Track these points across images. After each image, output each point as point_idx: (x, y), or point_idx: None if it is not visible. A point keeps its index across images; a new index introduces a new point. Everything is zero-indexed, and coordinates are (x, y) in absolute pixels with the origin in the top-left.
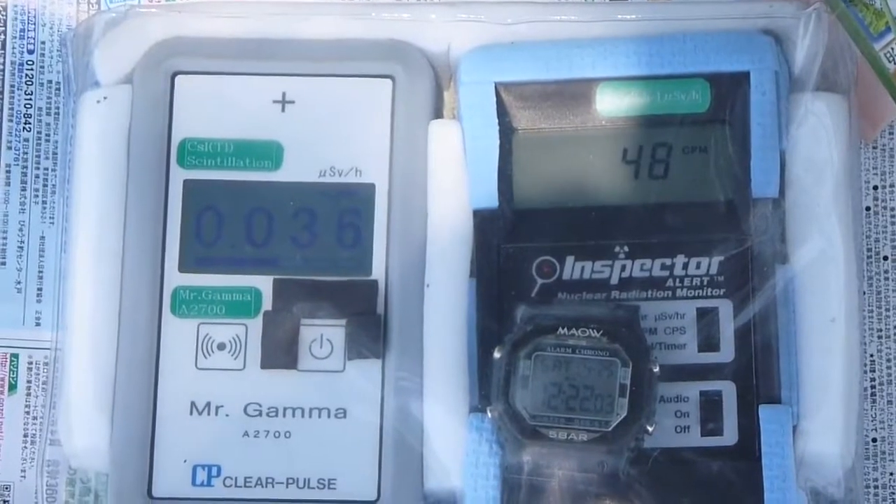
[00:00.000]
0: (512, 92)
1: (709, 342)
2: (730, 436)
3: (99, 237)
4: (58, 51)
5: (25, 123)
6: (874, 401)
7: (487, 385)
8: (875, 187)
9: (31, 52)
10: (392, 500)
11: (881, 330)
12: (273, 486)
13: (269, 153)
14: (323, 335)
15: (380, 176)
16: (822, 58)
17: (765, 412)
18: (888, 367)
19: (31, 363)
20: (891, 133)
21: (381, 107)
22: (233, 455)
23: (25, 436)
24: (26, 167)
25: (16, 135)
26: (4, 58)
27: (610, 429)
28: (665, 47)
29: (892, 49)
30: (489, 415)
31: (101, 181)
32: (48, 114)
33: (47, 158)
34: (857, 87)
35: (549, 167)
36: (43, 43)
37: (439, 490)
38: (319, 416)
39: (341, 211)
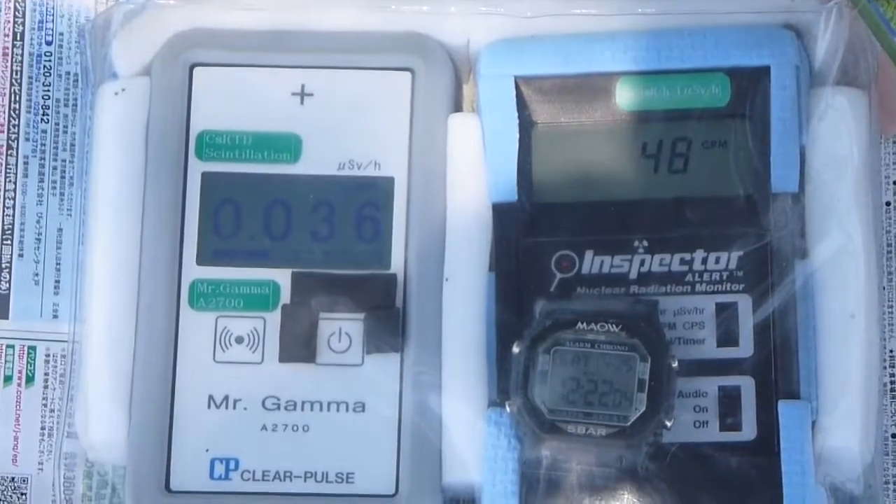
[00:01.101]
0: (532, 85)
1: (728, 337)
2: (748, 431)
3: (117, 229)
4: (76, 42)
5: (43, 115)
6: (894, 396)
7: (506, 379)
8: (895, 182)
9: (49, 43)
10: (410, 494)
11: None
12: (291, 480)
13: (287, 146)
14: (341, 329)
15: (399, 169)
16: (842, 52)
17: (784, 408)
18: None
19: (48, 356)
20: None
21: (400, 100)
22: (251, 448)
23: (43, 428)
24: (44, 158)
25: (34, 126)
26: (23, 49)
27: (628, 424)
28: (685, 41)
29: None
30: (508, 409)
31: (119, 173)
32: (66, 105)
33: (65, 150)
34: (878, 81)
35: (569, 161)
36: (61, 34)
37: (458, 484)
38: (338, 410)
39: (360, 204)
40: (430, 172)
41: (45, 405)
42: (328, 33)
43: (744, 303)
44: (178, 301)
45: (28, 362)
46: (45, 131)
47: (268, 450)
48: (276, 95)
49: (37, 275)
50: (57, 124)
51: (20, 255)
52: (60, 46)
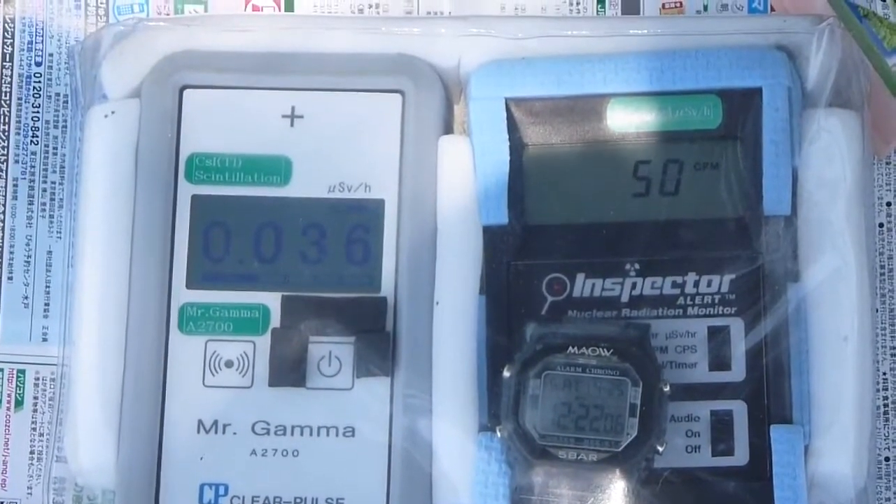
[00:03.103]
0: (522, 107)
1: (720, 361)
2: (741, 456)
3: (106, 252)
4: (66, 63)
5: (33, 136)
6: (887, 419)
7: (497, 404)
8: (888, 203)
9: (38, 64)
10: None
11: (894, 348)
12: None
13: (277, 168)
14: (331, 352)
15: (389, 191)
16: (835, 74)
17: (776, 432)
18: None
19: (37, 379)
20: None
21: (390, 122)
22: (240, 474)
23: (32, 452)
24: (33, 181)
25: (23, 148)
26: (12, 70)
27: (620, 449)
28: (677, 63)
29: None
30: (498, 434)
31: (109, 196)
32: (55, 127)
33: (54, 172)
34: (871, 103)
35: (560, 183)
36: (51, 55)
37: None
38: (328, 435)
39: (350, 227)
40: (420, 195)
41: (35, 429)
42: (318, 56)
43: (736, 326)
44: (167, 324)
45: (17, 386)
46: (34, 153)
47: (257, 475)
48: (267, 118)
49: (26, 298)
50: (46, 146)
51: (9, 278)
52: (50, 67)
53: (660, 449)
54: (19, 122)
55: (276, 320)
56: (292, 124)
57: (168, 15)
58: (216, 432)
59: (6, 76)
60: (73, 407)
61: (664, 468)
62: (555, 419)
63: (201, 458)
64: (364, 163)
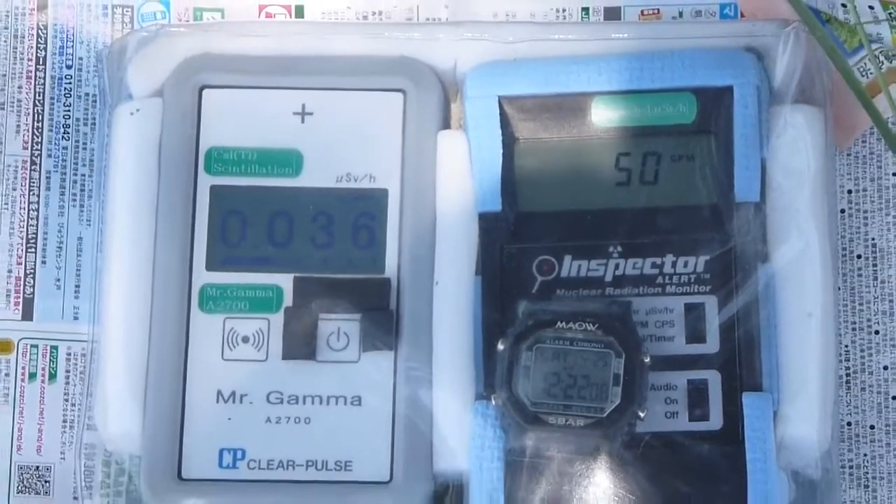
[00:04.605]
0: (514, 105)
1: (696, 335)
2: (715, 421)
3: (132, 238)
4: (94, 66)
5: (64, 133)
6: (849, 388)
7: (492, 375)
8: (849, 191)
9: (69, 67)
10: (404, 480)
11: (855, 322)
12: (294, 469)
13: (289, 161)
14: (340, 329)
15: (392, 182)
16: (800, 73)
17: (748, 399)
18: (861, 357)
19: (69, 354)
20: (863, 141)
21: (393, 118)
22: (256, 439)
23: (65, 421)
24: (65, 173)
25: (55, 143)
26: (45, 72)
27: (605, 415)
28: (655, 64)
29: (865, 64)
30: (493, 402)
31: (134, 187)
32: (85, 124)
33: (84, 165)
34: (833, 99)
35: (549, 174)
36: (80, 59)
37: (448, 471)
38: (336, 404)
39: (357, 214)
40: (421, 185)
41: (67, 400)
42: (327, 58)
43: (710, 303)
44: (188, 304)
45: (51, 360)
46: (65, 148)
47: (272, 440)
48: (279, 115)
49: (58, 280)
50: (77, 142)
51: (43, 262)
52: (80, 70)
53: (641, 415)
54: (52, 120)
55: (288, 300)
56: (303, 120)
57: (188, 22)
58: (234, 402)
59: (40, 78)
60: (102, 379)
61: (645, 432)
62: (545, 388)
63: (229, 419)
64: (369, 156)
